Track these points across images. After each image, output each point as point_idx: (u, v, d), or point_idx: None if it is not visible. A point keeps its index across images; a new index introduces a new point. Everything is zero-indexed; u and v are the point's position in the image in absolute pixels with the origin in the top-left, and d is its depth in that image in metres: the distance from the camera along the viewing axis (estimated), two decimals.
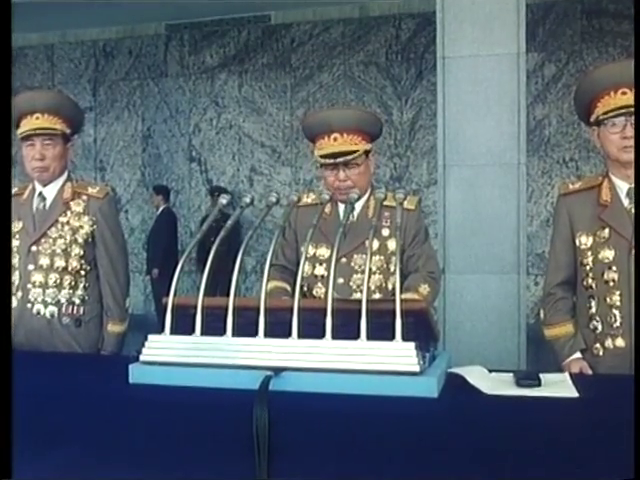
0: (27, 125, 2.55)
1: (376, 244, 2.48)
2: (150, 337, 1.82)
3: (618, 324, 2.15)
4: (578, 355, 2.24)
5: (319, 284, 2.49)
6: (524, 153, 4.26)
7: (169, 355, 1.78)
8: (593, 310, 2.21)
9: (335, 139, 2.44)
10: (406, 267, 2.49)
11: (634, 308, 2.11)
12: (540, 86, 7.94)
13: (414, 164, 8.43)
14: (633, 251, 2.11)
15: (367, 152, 2.51)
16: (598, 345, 2.20)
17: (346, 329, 1.66)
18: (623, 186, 2.19)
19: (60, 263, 2.57)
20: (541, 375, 1.78)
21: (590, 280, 2.21)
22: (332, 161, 2.45)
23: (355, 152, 2.44)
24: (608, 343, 2.17)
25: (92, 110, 9.39)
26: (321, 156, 2.47)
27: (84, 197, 2.63)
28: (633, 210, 2.15)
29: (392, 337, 1.65)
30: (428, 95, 8.14)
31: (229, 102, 9.04)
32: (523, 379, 1.76)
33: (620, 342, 2.14)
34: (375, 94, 8.50)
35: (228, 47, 9.04)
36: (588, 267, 2.21)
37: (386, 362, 1.64)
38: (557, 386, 1.75)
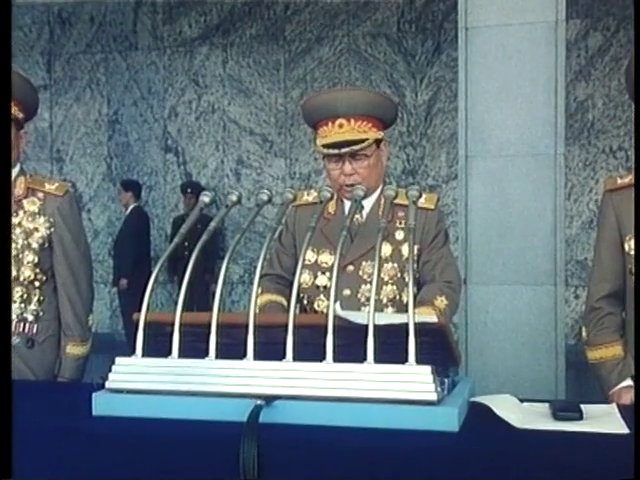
0: None
1: (389, 249, 2.49)
2: (118, 360, 1.83)
3: None
4: (628, 382, 2.24)
5: (322, 296, 2.51)
6: (562, 141, 4.27)
7: (141, 381, 1.78)
8: None
9: (341, 125, 2.45)
10: (421, 275, 2.50)
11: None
12: (583, 60, 7.95)
13: (431, 155, 8.45)
14: None
15: (378, 141, 2.51)
16: None
17: (350, 350, 1.67)
18: None
19: None
20: (583, 406, 1.78)
21: None
22: (336, 151, 2.46)
23: (364, 141, 2.45)
24: None
25: (47, 89, 9.41)
26: (324, 145, 2.48)
27: (40, 194, 2.64)
28: None
29: (404, 360, 1.66)
30: (448, 73, 8.16)
31: (211, 81, 9.05)
32: (561, 411, 1.76)
33: None
34: (385, 72, 8.52)
35: (210, 15, 9.06)
36: None
37: (397, 389, 1.65)
38: (602, 420, 1.75)
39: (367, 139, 2.45)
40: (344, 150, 2.45)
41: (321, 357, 1.70)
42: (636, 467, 1.42)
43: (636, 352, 2.12)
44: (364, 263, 2.48)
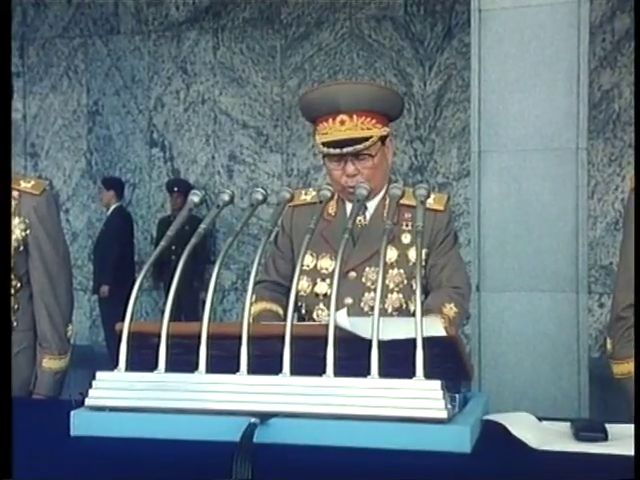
0: None
1: (394, 254, 2.49)
2: (99, 375, 1.83)
3: None
4: None
5: (321, 305, 2.52)
6: (585, 134, 4.28)
7: (124, 398, 1.79)
8: None
9: (342, 122, 2.44)
10: (427, 281, 2.51)
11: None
12: (608, 45, 7.95)
13: (440, 150, 8.45)
14: None
15: (383, 138, 2.51)
16: None
17: (353, 363, 1.68)
18: None
19: None
20: (608, 426, 1.78)
21: None
22: (338, 151, 2.46)
23: (368, 139, 2.45)
24: None
25: (20, 77, 9.42)
26: (324, 144, 2.48)
27: (14, 193, 2.64)
28: None
29: (412, 374, 1.67)
30: (459, 60, 8.17)
31: (201, 69, 9.06)
32: (584, 431, 1.76)
33: None
34: (390, 59, 8.53)
35: None
36: None
37: (404, 406, 1.66)
38: (630, 441, 1.74)
39: (371, 137, 2.45)
40: (346, 150, 2.44)
41: (321, 371, 1.70)
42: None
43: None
44: (367, 269, 2.48)
